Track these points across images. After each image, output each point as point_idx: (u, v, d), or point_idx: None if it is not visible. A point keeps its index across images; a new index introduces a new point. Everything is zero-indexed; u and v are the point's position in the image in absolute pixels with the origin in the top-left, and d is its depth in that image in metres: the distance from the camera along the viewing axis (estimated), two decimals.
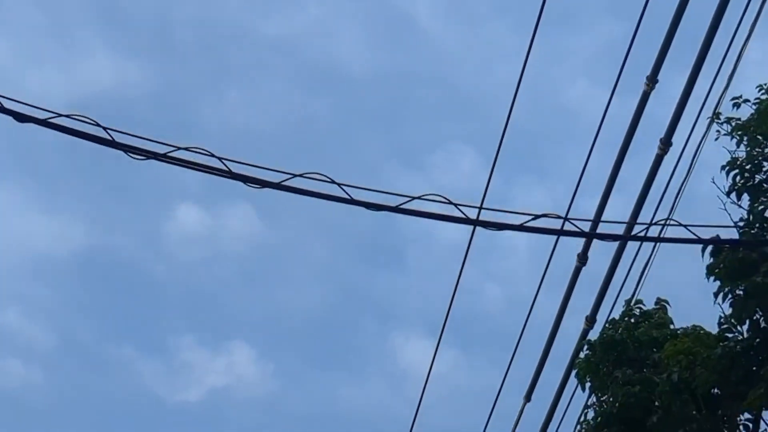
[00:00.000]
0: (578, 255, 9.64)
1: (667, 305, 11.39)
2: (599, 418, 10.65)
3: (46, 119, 5.20)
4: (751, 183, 10.36)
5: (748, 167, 10.34)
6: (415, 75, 40.35)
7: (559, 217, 5.62)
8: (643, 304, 11.34)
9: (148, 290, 38.64)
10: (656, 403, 10.32)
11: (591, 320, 10.50)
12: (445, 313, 9.76)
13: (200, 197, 40.65)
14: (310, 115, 40.22)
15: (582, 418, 11.08)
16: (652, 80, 8.61)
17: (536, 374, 10.63)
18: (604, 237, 6.48)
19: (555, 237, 9.48)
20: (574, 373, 10.93)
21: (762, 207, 10.19)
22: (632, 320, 11.27)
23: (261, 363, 36.93)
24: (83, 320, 38.20)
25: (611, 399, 10.66)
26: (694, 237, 5.68)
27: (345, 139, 41.08)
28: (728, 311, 10.24)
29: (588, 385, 10.99)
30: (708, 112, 9.43)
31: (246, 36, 39.76)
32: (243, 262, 39.73)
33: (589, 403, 11.05)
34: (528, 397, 10.93)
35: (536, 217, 5.52)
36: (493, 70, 36.65)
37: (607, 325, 11.05)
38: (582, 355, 10.97)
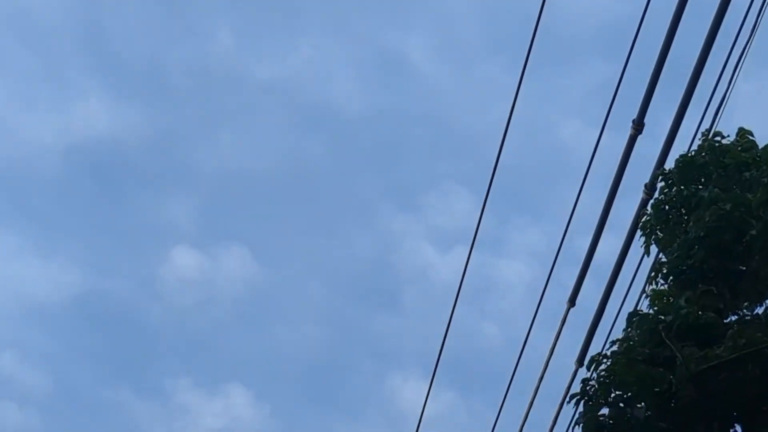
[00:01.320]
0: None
1: (751, 136, 9.24)
2: (679, 251, 8.52)
3: None
4: None
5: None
6: (408, 115, 40.61)
7: None
8: (723, 135, 9.28)
9: (143, 333, 38.63)
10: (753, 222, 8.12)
11: (651, 188, 9.16)
12: (443, 354, 9.79)
13: (195, 239, 40.74)
14: (304, 156, 40.41)
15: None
16: (639, 124, 8.66)
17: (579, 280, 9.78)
18: None
19: (547, 276, 9.58)
20: (638, 236, 9.23)
21: None
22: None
23: (258, 405, 36.85)
24: (79, 364, 38.16)
25: (695, 224, 8.53)
26: None
27: (339, 180, 41.27)
28: None
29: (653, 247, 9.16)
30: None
31: (239, 79, 40.03)
32: (239, 304, 39.76)
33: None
34: (572, 301, 9.97)
35: None
36: (486, 110, 36.89)
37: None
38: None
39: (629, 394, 8.16)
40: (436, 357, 10.42)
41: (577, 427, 8.31)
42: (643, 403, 8.14)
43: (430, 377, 10.55)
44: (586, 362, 8.63)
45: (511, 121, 8.25)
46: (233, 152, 39.53)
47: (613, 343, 8.64)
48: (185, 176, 40.64)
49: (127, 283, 39.79)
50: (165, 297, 39.30)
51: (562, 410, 9.89)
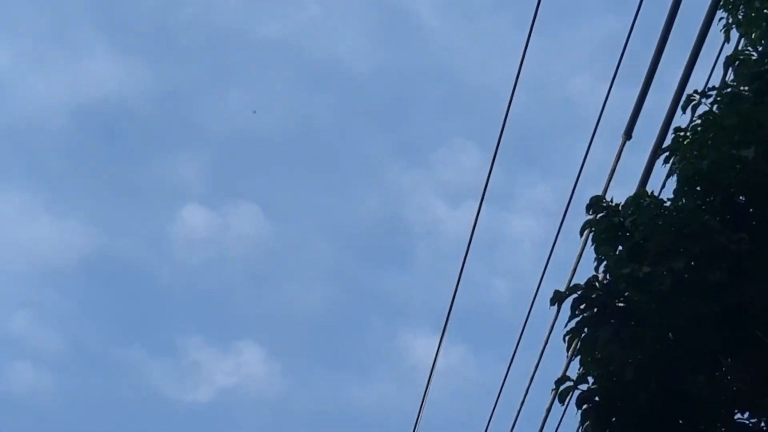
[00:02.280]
0: None
1: None
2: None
3: None
4: None
5: None
6: (416, 72, 40.55)
7: None
8: None
9: (155, 292, 39.01)
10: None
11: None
12: (453, 309, 9.80)
13: (205, 198, 41.03)
14: (312, 114, 40.50)
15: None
16: (628, 135, 8.73)
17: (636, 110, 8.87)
18: None
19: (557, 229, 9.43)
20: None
21: None
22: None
23: (269, 362, 37.27)
24: (91, 323, 38.60)
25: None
26: None
27: (348, 137, 41.36)
28: None
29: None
30: None
31: (246, 36, 40.00)
32: (249, 261, 40.08)
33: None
34: (629, 134, 8.94)
35: None
36: (494, 66, 36.84)
37: None
38: None
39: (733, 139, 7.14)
40: (447, 312, 10.46)
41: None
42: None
43: (441, 332, 10.63)
44: (681, 103, 7.81)
45: (523, 76, 8.27)
46: (241, 110, 39.62)
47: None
48: (194, 134, 40.82)
49: (138, 243, 40.12)
50: (176, 256, 39.66)
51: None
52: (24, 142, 39.61)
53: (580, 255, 8.36)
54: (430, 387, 11.56)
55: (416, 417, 11.82)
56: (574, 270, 8.33)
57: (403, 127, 41.18)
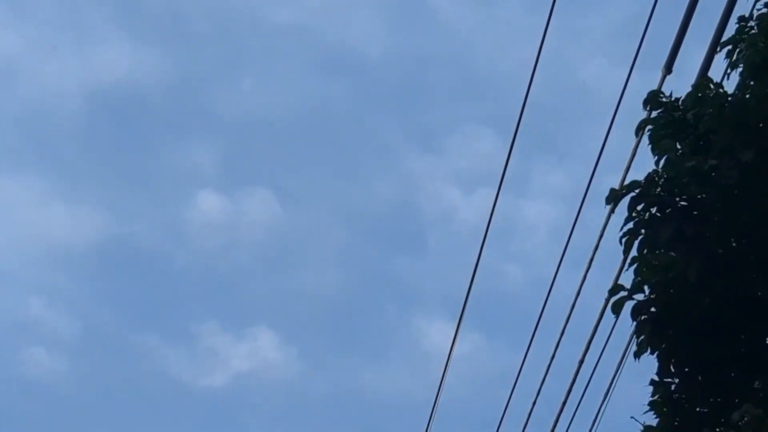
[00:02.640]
0: None
1: None
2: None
3: None
4: None
5: None
6: (430, 57, 40.25)
7: None
8: None
9: (169, 277, 38.73)
10: None
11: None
12: (465, 295, 9.65)
13: (219, 183, 40.77)
14: (326, 99, 40.20)
15: None
16: (668, 69, 8.16)
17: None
18: None
19: (575, 216, 9.27)
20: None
21: None
22: None
23: (284, 347, 37.01)
24: (106, 308, 38.37)
25: None
26: None
27: (362, 123, 41.06)
28: None
29: None
30: None
31: (259, 22, 39.71)
32: (264, 247, 39.81)
33: None
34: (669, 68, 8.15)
35: None
36: (508, 50, 36.49)
37: None
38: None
39: None
40: (462, 299, 10.29)
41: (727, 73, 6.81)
42: None
43: (455, 319, 10.42)
44: None
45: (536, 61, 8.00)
46: (255, 96, 39.36)
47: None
48: (207, 120, 40.52)
49: (152, 228, 39.86)
50: (190, 241, 39.41)
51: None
52: (37, 128, 39.39)
53: (632, 157, 7.95)
54: (447, 375, 11.33)
55: (433, 404, 11.55)
56: (627, 169, 7.92)
57: (417, 112, 40.87)
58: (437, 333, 33.52)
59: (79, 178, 40.49)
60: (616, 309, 7.13)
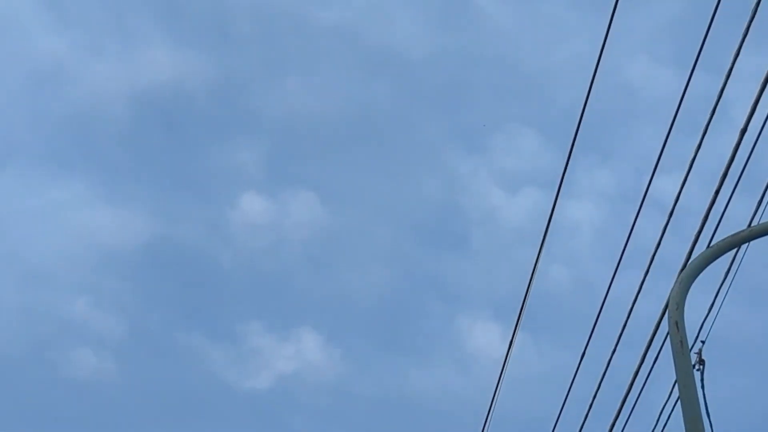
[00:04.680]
0: None
1: None
2: None
3: None
4: None
5: None
6: (473, 56, 40.23)
7: None
8: None
9: (214, 278, 39.02)
10: None
11: None
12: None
13: (263, 185, 40.96)
14: (369, 100, 40.30)
15: None
16: None
17: None
18: None
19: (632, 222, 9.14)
20: None
21: None
22: None
23: (329, 348, 37.14)
24: (152, 309, 38.71)
25: None
26: None
27: (405, 123, 41.10)
28: None
29: None
30: None
31: (303, 24, 39.89)
32: (308, 248, 39.97)
33: None
34: None
35: None
36: (552, 49, 36.40)
37: None
38: None
39: None
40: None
41: None
42: None
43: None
44: None
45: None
46: (299, 97, 39.53)
47: None
48: (251, 122, 40.78)
49: (197, 229, 40.19)
50: (234, 242, 39.66)
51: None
52: (84, 131, 39.82)
53: (694, 158, 7.86)
54: (502, 381, 11.33)
55: (488, 406, 11.52)
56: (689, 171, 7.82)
57: (460, 112, 40.88)
58: (481, 333, 33.52)
59: (124, 180, 40.88)
60: None
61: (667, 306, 6.65)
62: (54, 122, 39.95)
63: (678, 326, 6.28)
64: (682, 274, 6.59)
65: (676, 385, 6.25)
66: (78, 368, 35.10)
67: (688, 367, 6.21)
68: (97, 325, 36.84)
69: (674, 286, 6.53)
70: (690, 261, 7.09)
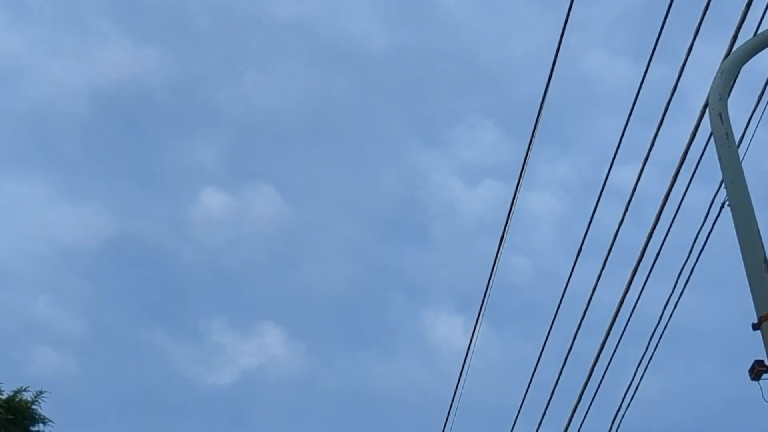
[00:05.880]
0: None
1: None
2: None
3: None
4: None
5: None
6: (432, 50, 40.32)
7: None
8: None
9: (176, 275, 38.92)
10: None
11: None
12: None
13: (223, 181, 40.87)
14: (329, 94, 40.31)
15: None
16: None
17: None
18: None
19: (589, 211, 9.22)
20: None
21: None
22: None
23: (292, 343, 37.18)
24: (114, 307, 38.55)
25: None
26: None
27: (365, 117, 41.16)
28: None
29: None
30: None
31: (261, 18, 39.83)
32: (269, 243, 39.96)
33: None
34: None
35: None
36: (509, 43, 36.55)
37: None
38: None
39: None
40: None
41: None
42: None
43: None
44: None
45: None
46: (258, 92, 39.45)
47: None
48: (211, 117, 40.68)
49: (158, 226, 40.05)
50: (195, 238, 39.56)
51: None
52: (41, 128, 39.55)
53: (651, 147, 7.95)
54: (464, 372, 11.37)
55: (451, 398, 11.59)
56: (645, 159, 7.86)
57: (419, 105, 41.02)
58: (444, 325, 33.67)
59: (83, 177, 40.67)
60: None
61: (708, 101, 6.29)
62: (12, 120, 39.67)
63: (722, 118, 5.95)
64: (724, 64, 6.24)
65: (723, 182, 5.93)
66: (40, 367, 34.90)
67: (735, 159, 5.88)
68: (58, 324, 36.68)
69: (716, 76, 6.21)
70: (733, 50, 6.65)
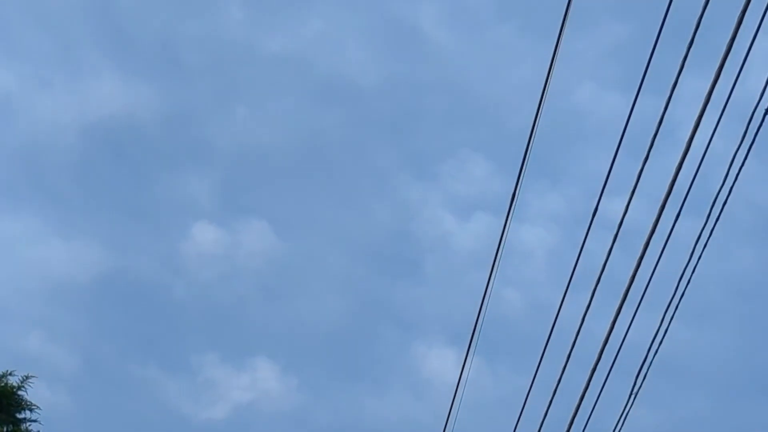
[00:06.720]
0: None
1: None
2: None
3: None
4: None
5: None
6: (423, 83, 40.51)
7: None
8: None
9: (168, 309, 38.85)
10: None
11: None
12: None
13: (215, 215, 40.89)
14: (320, 128, 40.43)
15: None
16: None
17: None
18: None
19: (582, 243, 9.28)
20: None
21: None
22: None
23: (285, 377, 37.08)
24: (106, 342, 38.44)
25: None
26: None
27: (356, 150, 41.27)
28: None
29: None
30: None
31: (252, 53, 40.00)
32: (261, 277, 39.94)
33: None
34: None
35: None
36: (500, 75, 36.75)
37: None
38: None
39: None
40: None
41: None
42: None
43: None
44: None
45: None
46: (249, 126, 39.59)
47: None
48: (202, 152, 40.75)
49: (150, 260, 40.01)
50: (187, 273, 39.54)
51: None
52: (33, 164, 39.58)
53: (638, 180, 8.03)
54: (454, 405, 11.39)
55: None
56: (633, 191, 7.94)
57: (410, 139, 41.15)
58: (436, 359, 33.63)
59: (75, 212, 40.67)
60: None
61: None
62: (3, 155, 39.71)
63: None
64: None
65: None
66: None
67: None
68: (50, 359, 36.53)
69: None
70: None
